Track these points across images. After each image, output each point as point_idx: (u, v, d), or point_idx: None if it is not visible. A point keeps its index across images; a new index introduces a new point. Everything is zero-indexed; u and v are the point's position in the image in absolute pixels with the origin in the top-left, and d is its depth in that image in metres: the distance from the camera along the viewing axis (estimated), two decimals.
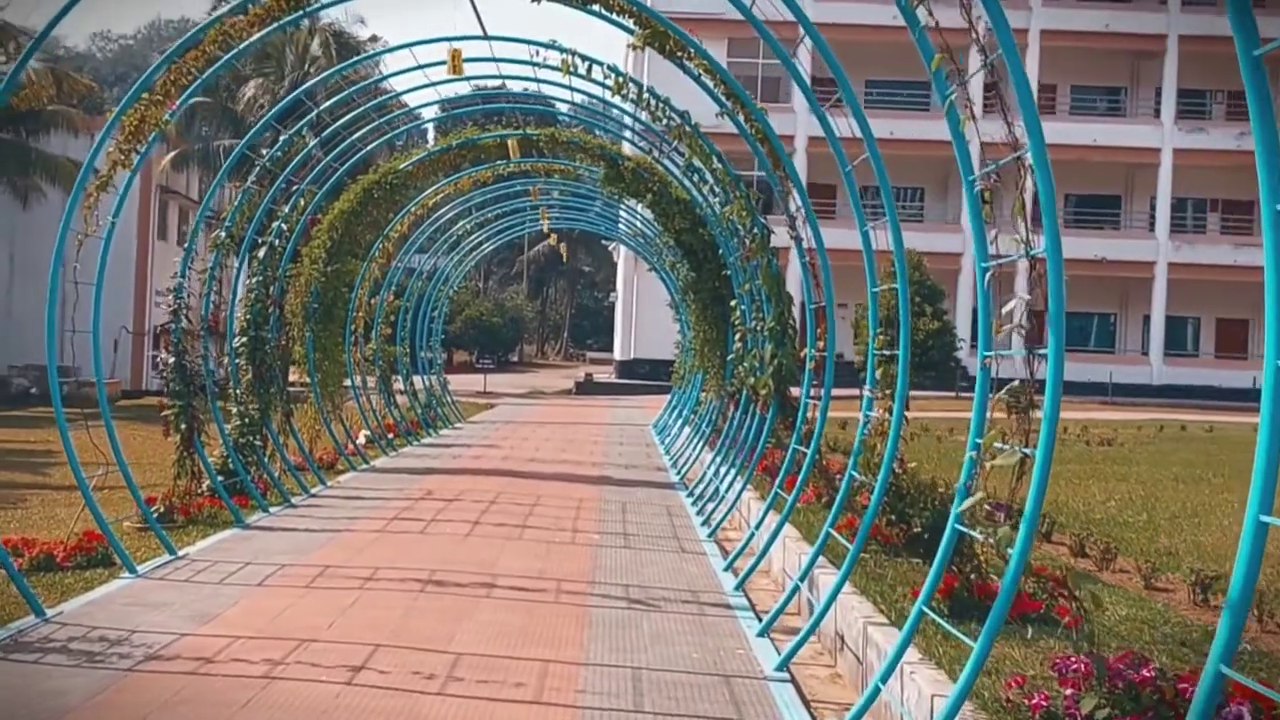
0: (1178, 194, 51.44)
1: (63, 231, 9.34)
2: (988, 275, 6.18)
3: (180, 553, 10.51)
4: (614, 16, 10.86)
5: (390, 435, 22.38)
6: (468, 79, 13.92)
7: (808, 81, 9.34)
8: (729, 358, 16.58)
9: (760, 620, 8.82)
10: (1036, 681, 6.30)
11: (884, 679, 6.39)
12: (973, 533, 5.96)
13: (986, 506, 5.96)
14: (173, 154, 35.16)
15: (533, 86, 14.90)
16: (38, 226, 30.23)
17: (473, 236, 27.76)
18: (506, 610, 8.94)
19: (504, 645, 7.83)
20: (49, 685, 6.65)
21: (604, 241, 58.53)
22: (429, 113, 18.61)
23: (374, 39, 31.63)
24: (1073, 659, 6.40)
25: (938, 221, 52.38)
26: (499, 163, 18.50)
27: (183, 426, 12.12)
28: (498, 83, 16.09)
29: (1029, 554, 5.51)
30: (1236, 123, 51.11)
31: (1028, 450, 5.59)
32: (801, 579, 8.74)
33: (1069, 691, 5.78)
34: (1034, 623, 8.30)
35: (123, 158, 9.87)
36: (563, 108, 25.31)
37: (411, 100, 15.63)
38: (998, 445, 5.84)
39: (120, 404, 30.24)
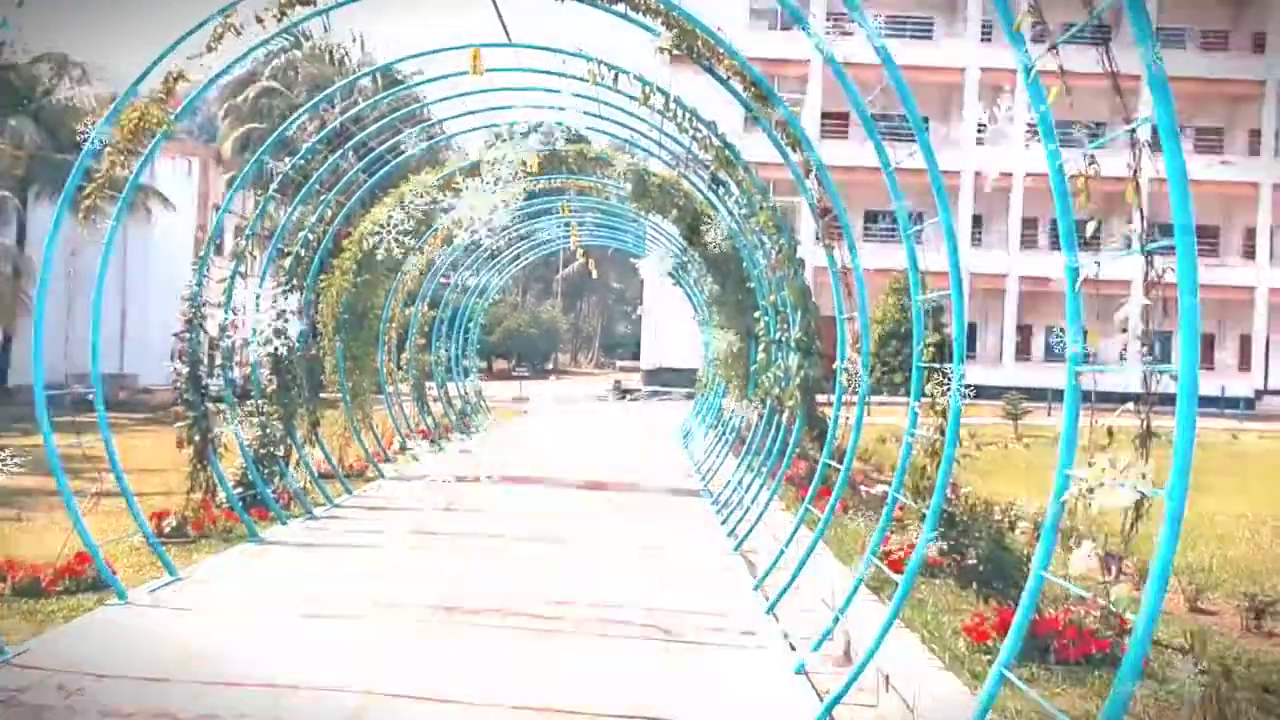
0: (1151, 219, 49.48)
1: (51, 236, 7.78)
2: (1078, 278, 4.63)
3: (181, 574, 8.72)
4: (639, 18, 9.13)
5: (424, 441, 20.65)
6: (496, 89, 12.21)
7: (840, 63, 7.62)
8: (753, 368, 14.83)
9: (793, 650, 7.15)
10: None
11: None
12: (1074, 588, 4.26)
13: (1099, 554, 4.26)
14: (228, 175, 33.80)
15: (563, 103, 13.12)
16: (99, 243, 28.84)
17: (506, 252, 26.04)
18: (511, 644, 7.21)
19: (504, 693, 6.07)
20: None
21: (633, 260, 56.98)
22: (459, 127, 16.78)
23: (419, 71, 29.96)
24: None
25: (939, 242, 50.63)
26: (529, 178, 16.81)
27: (195, 438, 10.42)
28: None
29: (1157, 621, 3.84)
30: (1205, 155, 49.36)
31: (1151, 490, 3.93)
32: (842, 610, 7.01)
33: None
34: (1098, 664, 6.80)
35: (122, 159, 8.24)
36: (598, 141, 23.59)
37: (443, 111, 13.89)
38: (1101, 472, 4.21)
39: (172, 410, 28.69)
